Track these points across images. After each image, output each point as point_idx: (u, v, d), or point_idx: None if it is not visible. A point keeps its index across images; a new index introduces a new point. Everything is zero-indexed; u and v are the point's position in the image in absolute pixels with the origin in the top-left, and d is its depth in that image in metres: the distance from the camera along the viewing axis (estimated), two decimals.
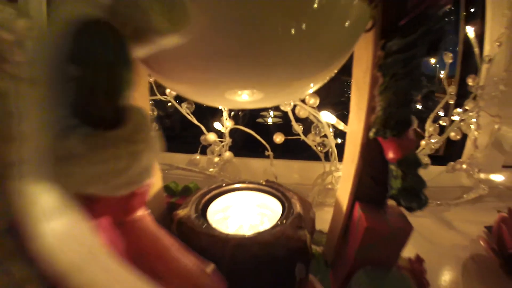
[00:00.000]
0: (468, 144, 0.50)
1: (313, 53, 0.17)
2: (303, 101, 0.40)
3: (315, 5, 0.15)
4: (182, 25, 0.14)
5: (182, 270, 0.18)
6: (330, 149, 0.41)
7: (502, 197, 0.49)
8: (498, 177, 0.48)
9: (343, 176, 0.27)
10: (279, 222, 0.23)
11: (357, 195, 0.25)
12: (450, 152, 0.54)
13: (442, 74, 0.48)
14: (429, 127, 0.44)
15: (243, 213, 0.29)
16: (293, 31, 0.15)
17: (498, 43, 0.48)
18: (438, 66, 0.57)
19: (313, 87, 0.21)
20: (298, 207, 0.24)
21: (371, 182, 0.24)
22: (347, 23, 0.17)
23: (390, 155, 0.22)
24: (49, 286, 0.12)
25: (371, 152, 0.23)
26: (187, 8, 0.14)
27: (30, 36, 0.13)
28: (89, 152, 0.12)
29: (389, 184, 0.23)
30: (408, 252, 0.29)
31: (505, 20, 0.48)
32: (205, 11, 0.14)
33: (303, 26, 0.15)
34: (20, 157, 0.12)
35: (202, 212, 0.25)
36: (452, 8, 0.57)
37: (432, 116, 0.44)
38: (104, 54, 0.13)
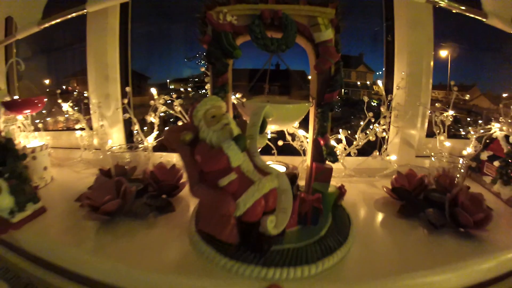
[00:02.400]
0: (381, 142, 0.92)
1: (297, 118, 0.59)
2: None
3: (300, 114, 0.58)
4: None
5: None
6: (306, 149, 0.82)
7: (402, 169, 0.89)
8: (393, 157, 0.90)
9: (308, 154, 0.68)
10: (287, 169, 0.63)
11: (313, 159, 0.65)
12: (373, 147, 0.95)
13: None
14: (359, 134, 0.85)
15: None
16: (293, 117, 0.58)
17: (397, 87, 0.90)
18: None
19: (295, 124, 0.63)
20: (291, 168, 0.65)
21: (316, 155, 0.64)
22: (305, 110, 0.59)
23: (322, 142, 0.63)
24: None
25: (317, 144, 0.64)
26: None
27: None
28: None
29: (324, 154, 0.63)
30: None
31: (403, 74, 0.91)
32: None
33: (296, 116, 0.58)
34: (255, 147, 0.49)
35: None
36: None
37: (360, 128, 0.86)
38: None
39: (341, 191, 0.65)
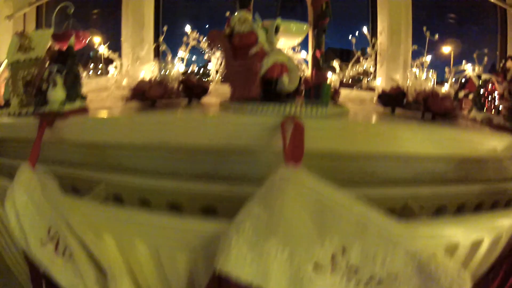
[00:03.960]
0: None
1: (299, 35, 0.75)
2: None
3: (301, 33, 0.74)
4: None
5: None
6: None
7: None
8: (378, 80, 1.07)
9: (309, 66, 0.83)
10: None
11: (313, 68, 0.81)
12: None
13: None
14: (350, 67, 1.02)
15: None
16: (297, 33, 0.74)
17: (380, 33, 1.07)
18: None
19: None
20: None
21: (315, 63, 0.80)
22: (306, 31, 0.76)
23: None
24: None
25: (315, 57, 0.79)
26: None
27: None
28: None
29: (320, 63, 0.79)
30: None
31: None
32: None
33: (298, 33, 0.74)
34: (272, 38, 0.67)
35: None
36: None
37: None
38: None
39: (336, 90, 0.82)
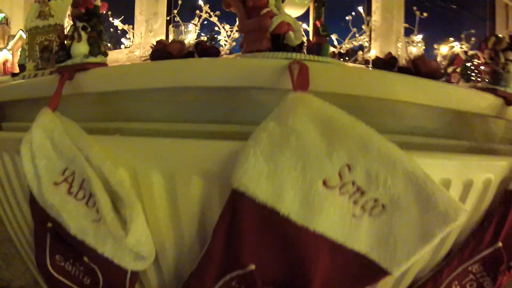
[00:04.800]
0: None
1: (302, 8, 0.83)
2: None
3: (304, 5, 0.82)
4: None
5: None
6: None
7: None
8: (372, 52, 1.15)
9: (310, 33, 0.91)
10: None
11: (313, 35, 0.89)
12: None
13: None
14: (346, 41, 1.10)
15: None
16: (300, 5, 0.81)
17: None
18: None
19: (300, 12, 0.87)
20: None
21: (315, 32, 0.88)
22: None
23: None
24: None
25: (316, 26, 0.87)
26: None
27: None
28: None
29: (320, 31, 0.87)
30: None
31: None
32: None
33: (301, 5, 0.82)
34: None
35: None
36: None
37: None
38: None
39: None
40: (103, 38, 0.77)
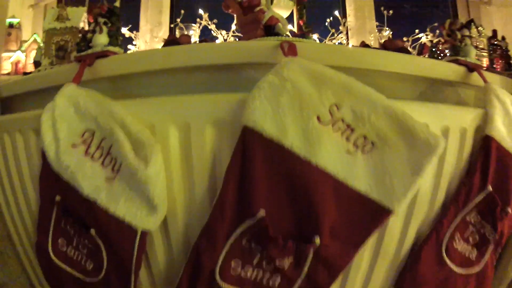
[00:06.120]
0: None
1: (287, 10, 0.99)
2: None
3: (289, 8, 0.97)
4: None
5: None
6: None
7: None
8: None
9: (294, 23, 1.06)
10: None
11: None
12: None
13: None
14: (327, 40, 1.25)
15: None
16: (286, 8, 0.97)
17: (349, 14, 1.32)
18: None
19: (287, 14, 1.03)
20: None
21: (298, 32, 1.02)
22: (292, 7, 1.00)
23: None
24: None
25: (299, 25, 1.01)
26: None
27: None
28: None
29: (303, 29, 1.01)
30: None
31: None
32: None
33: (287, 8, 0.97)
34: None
35: None
36: None
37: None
38: None
39: None
40: (120, 33, 0.87)
